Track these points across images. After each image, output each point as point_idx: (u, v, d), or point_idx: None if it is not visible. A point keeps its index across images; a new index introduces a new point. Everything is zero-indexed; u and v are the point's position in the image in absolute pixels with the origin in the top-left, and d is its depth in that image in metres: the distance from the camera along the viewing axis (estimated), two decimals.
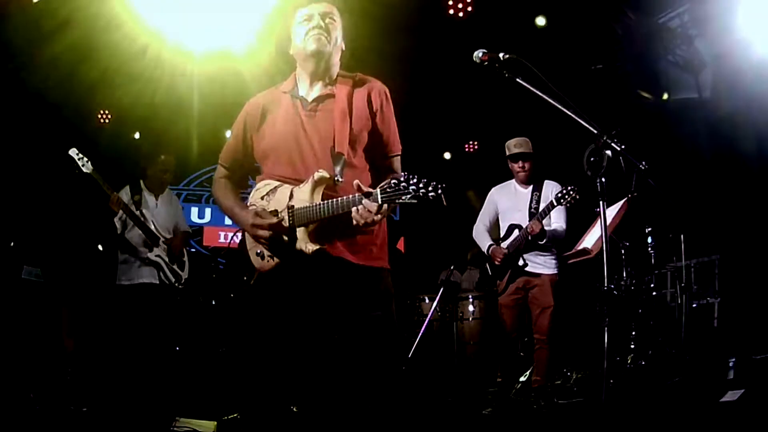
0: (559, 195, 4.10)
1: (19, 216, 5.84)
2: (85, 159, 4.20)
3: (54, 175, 6.49)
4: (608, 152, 2.19)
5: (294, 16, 2.24)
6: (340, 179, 2.08)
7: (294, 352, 2.15)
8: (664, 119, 6.63)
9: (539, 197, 4.42)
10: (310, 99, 2.22)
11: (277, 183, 2.18)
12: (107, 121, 7.95)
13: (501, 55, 2.33)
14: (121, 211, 4.31)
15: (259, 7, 5.03)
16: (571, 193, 4.03)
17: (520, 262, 4.32)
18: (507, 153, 4.56)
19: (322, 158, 2.13)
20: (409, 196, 1.82)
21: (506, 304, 4.45)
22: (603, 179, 2.26)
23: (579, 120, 2.21)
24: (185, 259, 4.75)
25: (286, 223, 2.09)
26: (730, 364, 3.71)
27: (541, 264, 4.38)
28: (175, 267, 4.59)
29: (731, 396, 3.08)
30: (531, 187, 4.51)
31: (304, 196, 2.08)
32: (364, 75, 2.33)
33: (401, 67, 6.47)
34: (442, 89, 7.53)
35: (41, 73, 5.99)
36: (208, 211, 9.23)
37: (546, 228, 4.28)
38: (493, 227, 4.69)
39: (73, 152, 4.20)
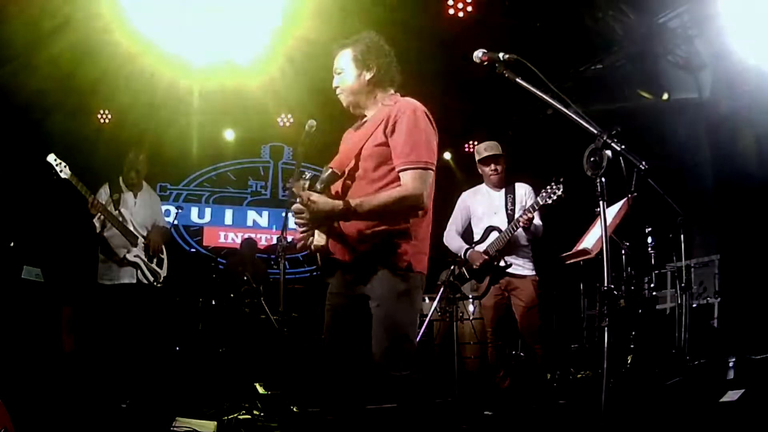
0: (545, 193, 4.05)
1: (18, 216, 5.84)
2: (63, 164, 4.20)
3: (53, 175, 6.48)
4: (608, 152, 2.18)
5: None
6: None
7: None
8: (664, 119, 6.63)
9: (513, 199, 4.41)
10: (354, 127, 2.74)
11: None
12: (107, 121, 7.95)
13: (501, 55, 2.33)
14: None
15: (265, 21, 5.04)
16: (556, 190, 3.99)
17: (502, 263, 4.27)
18: (477, 157, 4.53)
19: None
20: None
21: (489, 306, 4.44)
22: (603, 179, 2.25)
23: (579, 120, 2.21)
24: (164, 256, 4.70)
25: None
26: (730, 364, 3.71)
27: (521, 266, 4.36)
28: (153, 265, 4.56)
29: (731, 396, 3.08)
30: (504, 190, 4.49)
31: None
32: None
33: (401, 67, 6.46)
34: (442, 89, 7.53)
35: (41, 73, 6.00)
36: (208, 211, 9.20)
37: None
38: (464, 232, 4.67)
39: (50, 158, 4.20)
